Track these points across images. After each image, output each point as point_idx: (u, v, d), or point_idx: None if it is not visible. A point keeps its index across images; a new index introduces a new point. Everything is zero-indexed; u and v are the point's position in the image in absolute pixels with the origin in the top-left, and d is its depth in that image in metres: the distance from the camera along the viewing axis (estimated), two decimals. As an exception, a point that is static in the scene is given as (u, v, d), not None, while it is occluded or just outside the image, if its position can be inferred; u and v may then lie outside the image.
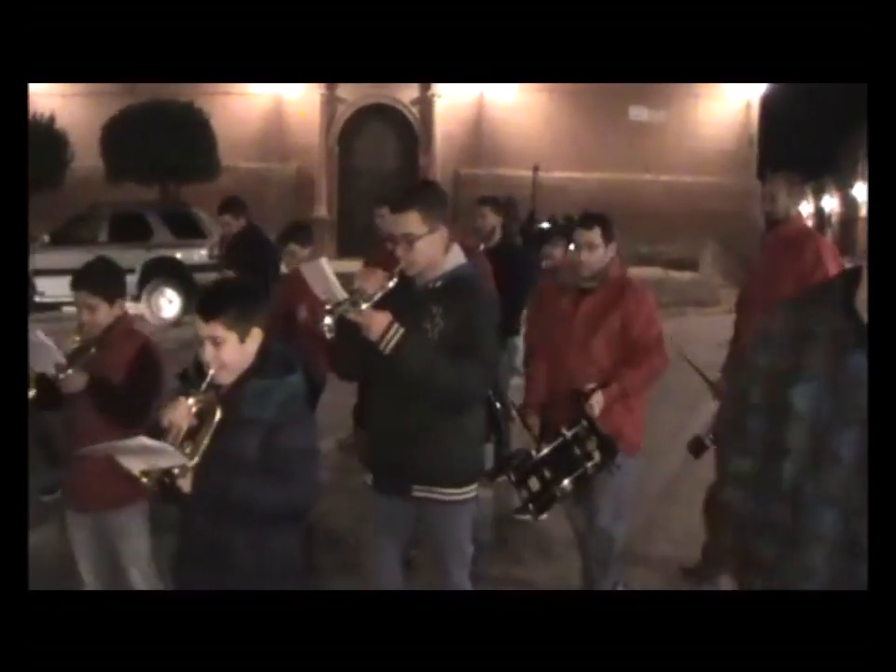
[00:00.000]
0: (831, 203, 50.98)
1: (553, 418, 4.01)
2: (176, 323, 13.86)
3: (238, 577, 2.62)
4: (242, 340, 2.65)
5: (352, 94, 23.14)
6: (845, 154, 44.61)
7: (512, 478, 3.97)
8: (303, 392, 2.76)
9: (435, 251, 3.17)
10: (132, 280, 13.61)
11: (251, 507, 2.57)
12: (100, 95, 19.50)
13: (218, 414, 2.58)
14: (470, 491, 3.32)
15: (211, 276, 8.59)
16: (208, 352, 2.63)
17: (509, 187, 19.20)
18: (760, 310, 3.68)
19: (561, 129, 22.85)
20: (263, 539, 2.65)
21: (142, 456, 2.50)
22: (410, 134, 23.62)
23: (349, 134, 23.56)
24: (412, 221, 3.12)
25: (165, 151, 16.41)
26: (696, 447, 4.51)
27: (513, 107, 23.01)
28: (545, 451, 3.88)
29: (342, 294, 3.30)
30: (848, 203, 44.69)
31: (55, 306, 12.84)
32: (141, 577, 3.65)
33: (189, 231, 14.47)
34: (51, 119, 17.16)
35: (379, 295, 3.06)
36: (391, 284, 3.09)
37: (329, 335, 3.04)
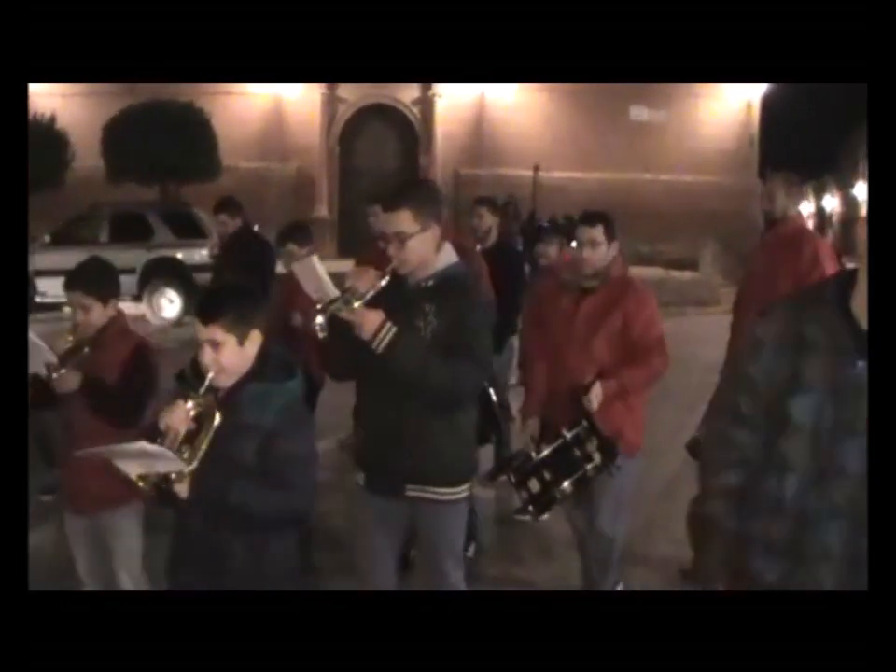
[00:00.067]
0: (831, 203, 50.98)
1: (554, 419, 3.99)
2: (177, 323, 13.86)
3: (235, 580, 2.61)
4: (241, 343, 2.62)
5: (352, 94, 23.13)
6: (845, 154, 44.61)
7: (512, 479, 3.97)
8: (303, 396, 2.75)
9: (427, 250, 3.16)
10: (132, 280, 13.66)
11: (249, 512, 2.56)
12: (100, 95, 19.50)
13: (217, 419, 2.56)
14: (464, 491, 3.31)
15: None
16: (207, 355, 2.59)
17: (509, 187, 19.25)
18: (757, 311, 3.65)
19: (561, 129, 22.84)
20: (261, 543, 2.63)
21: (140, 461, 2.49)
22: (410, 134, 23.61)
23: (350, 134, 23.55)
24: (403, 220, 3.10)
25: (166, 151, 16.41)
26: (696, 447, 4.50)
27: (514, 107, 23.00)
28: (545, 452, 3.87)
29: (334, 293, 3.27)
30: (849, 203, 44.67)
31: (56, 306, 12.80)
32: (131, 581, 3.63)
33: (189, 231, 14.46)
34: (52, 119, 17.15)
35: (371, 294, 3.04)
36: (383, 282, 3.07)
37: (321, 334, 3.01)
